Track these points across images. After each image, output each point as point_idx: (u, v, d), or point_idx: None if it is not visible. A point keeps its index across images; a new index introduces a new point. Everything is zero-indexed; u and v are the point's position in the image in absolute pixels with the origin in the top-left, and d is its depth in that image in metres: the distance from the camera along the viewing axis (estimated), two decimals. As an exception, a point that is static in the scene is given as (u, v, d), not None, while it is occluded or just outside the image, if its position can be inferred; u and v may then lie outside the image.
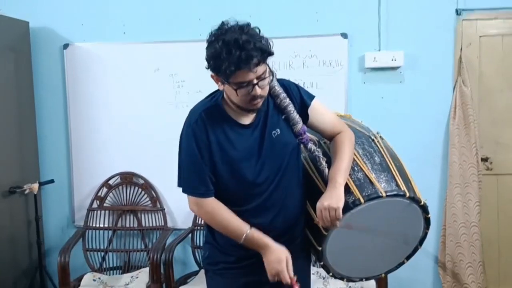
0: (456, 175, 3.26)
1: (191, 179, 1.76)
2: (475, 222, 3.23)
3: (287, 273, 1.72)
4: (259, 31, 1.65)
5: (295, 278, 1.73)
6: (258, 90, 1.64)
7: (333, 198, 1.67)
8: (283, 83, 1.84)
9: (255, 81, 1.62)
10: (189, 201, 1.81)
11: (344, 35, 3.32)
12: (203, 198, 1.76)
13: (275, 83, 1.79)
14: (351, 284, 2.96)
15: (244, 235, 1.73)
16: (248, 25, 1.63)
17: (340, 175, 1.72)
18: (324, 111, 1.88)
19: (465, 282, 3.25)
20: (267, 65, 1.67)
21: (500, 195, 3.41)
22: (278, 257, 1.73)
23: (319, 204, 1.69)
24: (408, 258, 1.92)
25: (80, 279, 3.30)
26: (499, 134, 3.37)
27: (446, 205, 3.32)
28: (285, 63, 3.37)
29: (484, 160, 3.37)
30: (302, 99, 1.83)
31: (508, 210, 3.41)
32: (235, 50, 1.56)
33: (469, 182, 3.24)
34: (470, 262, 3.25)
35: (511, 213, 3.41)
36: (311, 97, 1.86)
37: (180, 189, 1.80)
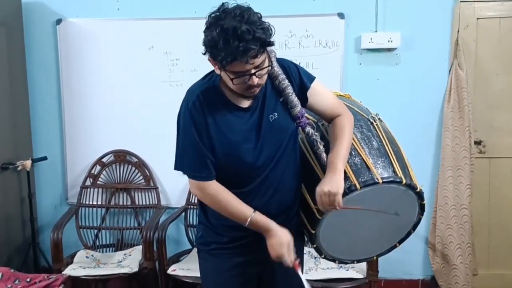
0: (448, 158, 3.27)
1: (193, 164, 1.73)
2: (465, 205, 3.26)
3: (288, 256, 1.73)
4: (261, 16, 1.57)
5: (297, 261, 1.75)
6: (255, 80, 1.60)
7: (333, 184, 1.66)
8: (283, 64, 1.79)
9: (252, 71, 1.58)
10: (191, 184, 1.79)
11: (341, 15, 3.29)
12: (205, 181, 1.74)
13: (274, 63, 1.74)
14: (342, 264, 2.99)
15: (249, 219, 1.72)
16: (249, 9, 1.56)
17: (339, 161, 1.71)
18: (324, 94, 1.85)
19: (454, 263, 3.29)
20: (267, 52, 1.62)
21: (492, 178, 3.44)
22: (279, 241, 1.73)
23: (318, 190, 1.68)
24: (400, 242, 1.93)
25: (73, 256, 3.31)
26: (493, 117, 3.38)
27: (438, 187, 3.34)
28: (281, 42, 3.33)
29: (478, 143, 3.39)
30: (301, 81, 1.79)
31: (499, 193, 3.44)
32: (233, 40, 1.49)
33: (461, 165, 3.26)
34: (459, 243, 3.29)
35: (502, 196, 3.44)
36: (311, 79, 1.82)
37: (174, 169, 1.78)
